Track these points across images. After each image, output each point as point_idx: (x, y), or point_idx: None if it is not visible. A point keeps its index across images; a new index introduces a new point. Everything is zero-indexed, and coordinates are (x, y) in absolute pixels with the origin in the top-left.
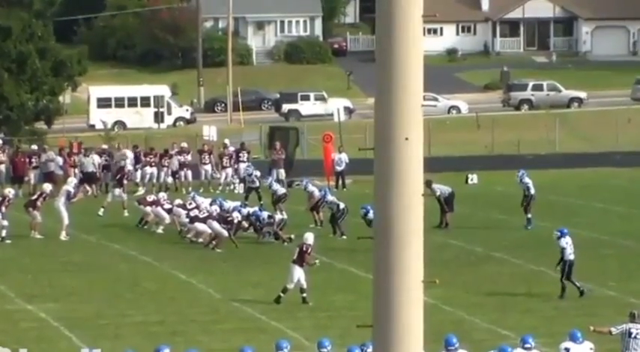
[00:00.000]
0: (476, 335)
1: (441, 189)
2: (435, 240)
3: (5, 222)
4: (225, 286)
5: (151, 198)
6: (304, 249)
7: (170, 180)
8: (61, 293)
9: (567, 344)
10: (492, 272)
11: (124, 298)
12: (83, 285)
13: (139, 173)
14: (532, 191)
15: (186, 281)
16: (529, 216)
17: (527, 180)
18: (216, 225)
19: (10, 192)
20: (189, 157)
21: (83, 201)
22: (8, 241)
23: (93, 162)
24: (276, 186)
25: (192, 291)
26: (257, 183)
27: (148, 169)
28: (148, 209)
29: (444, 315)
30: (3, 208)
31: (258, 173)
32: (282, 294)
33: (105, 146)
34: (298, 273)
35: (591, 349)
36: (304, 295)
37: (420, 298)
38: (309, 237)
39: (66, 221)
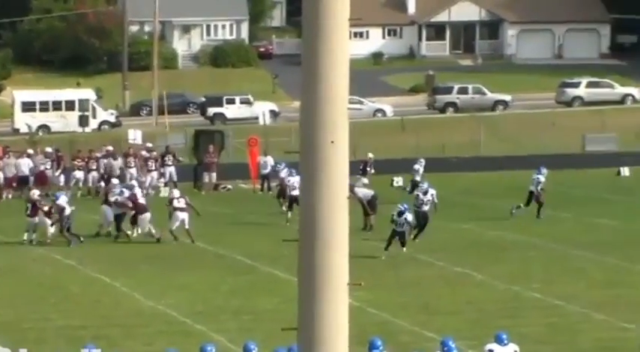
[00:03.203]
0: (401, 337)
1: (363, 192)
2: (360, 242)
3: None
4: (149, 289)
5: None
6: None
7: (102, 184)
8: None
9: (491, 345)
10: (417, 275)
11: (47, 302)
12: (6, 289)
13: (61, 177)
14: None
15: (110, 284)
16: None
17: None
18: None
19: None
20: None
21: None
22: None
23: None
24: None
25: (116, 295)
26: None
27: (77, 173)
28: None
29: (368, 318)
30: None
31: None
32: None
33: (30, 150)
34: None
35: (515, 351)
36: None
37: (346, 300)
38: None
39: None
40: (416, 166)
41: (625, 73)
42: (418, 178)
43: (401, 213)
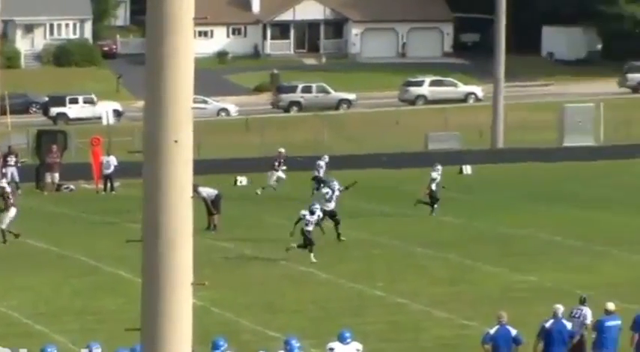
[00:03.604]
0: (243, 336)
1: (207, 191)
2: (204, 241)
3: None
4: None
5: None
6: None
7: None
8: None
9: (333, 344)
10: (262, 274)
11: None
12: None
13: None
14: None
15: None
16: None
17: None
18: None
19: None
20: None
21: None
22: None
23: None
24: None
25: None
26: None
27: None
28: None
29: (212, 317)
30: None
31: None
32: None
33: None
34: None
35: (358, 350)
36: None
37: (189, 300)
38: None
39: None
40: (319, 162)
41: (468, 72)
42: (320, 174)
43: (313, 212)
